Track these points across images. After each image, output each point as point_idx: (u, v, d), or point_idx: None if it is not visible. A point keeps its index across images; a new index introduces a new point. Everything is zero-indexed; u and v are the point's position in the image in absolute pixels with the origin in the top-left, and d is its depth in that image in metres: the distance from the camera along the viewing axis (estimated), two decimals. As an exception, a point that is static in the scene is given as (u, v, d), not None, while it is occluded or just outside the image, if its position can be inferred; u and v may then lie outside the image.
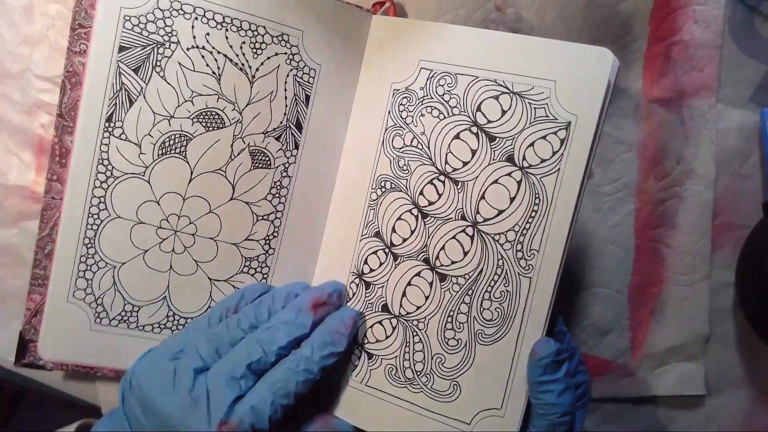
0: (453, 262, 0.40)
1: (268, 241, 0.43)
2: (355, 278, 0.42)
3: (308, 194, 0.44)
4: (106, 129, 0.40)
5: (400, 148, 0.41)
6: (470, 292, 0.39)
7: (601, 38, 0.50)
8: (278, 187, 0.43)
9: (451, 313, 0.40)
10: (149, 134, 0.40)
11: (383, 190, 0.42)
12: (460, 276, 0.39)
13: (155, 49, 0.39)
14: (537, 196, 0.37)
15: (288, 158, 0.43)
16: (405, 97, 0.41)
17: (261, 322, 0.39)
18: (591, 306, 0.52)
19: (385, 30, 0.43)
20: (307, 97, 0.43)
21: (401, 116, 0.41)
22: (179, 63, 0.39)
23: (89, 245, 0.41)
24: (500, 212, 0.38)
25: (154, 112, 0.40)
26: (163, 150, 0.40)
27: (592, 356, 0.53)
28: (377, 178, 0.42)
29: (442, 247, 0.40)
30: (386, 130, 0.42)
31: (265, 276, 0.44)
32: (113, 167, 0.40)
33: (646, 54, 0.51)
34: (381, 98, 0.42)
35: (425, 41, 0.41)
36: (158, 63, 0.39)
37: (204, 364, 0.37)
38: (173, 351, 0.38)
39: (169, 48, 0.39)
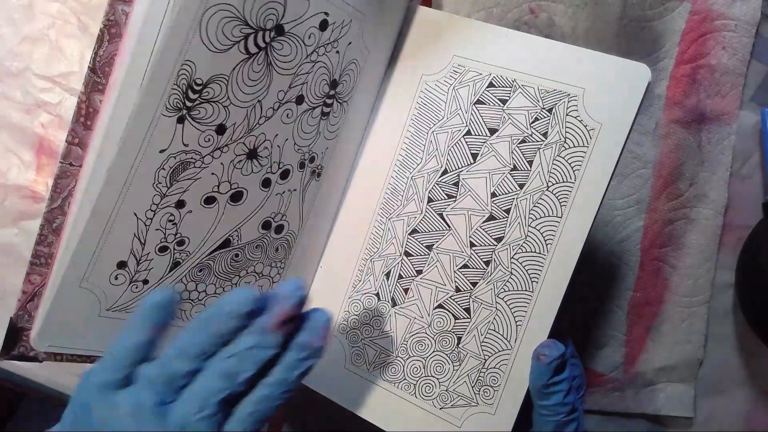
0: None
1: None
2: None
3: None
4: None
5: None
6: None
7: (630, 52, 0.50)
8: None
9: None
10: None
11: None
12: None
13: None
14: None
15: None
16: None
17: (209, 346, 0.33)
18: (589, 318, 0.53)
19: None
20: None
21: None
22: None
23: None
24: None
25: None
26: None
27: (585, 368, 0.53)
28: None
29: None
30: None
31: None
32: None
33: (672, 73, 0.51)
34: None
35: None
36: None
37: (163, 399, 0.32)
38: (119, 378, 0.33)
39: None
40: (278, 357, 0.34)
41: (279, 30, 0.36)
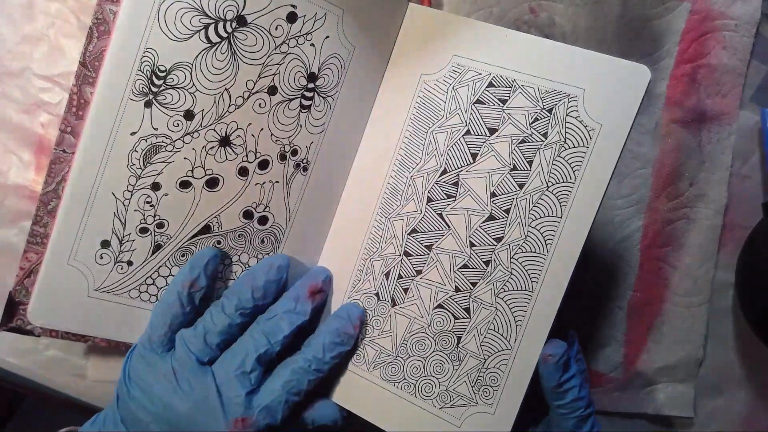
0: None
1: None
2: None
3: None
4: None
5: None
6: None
7: (630, 52, 0.50)
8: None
9: None
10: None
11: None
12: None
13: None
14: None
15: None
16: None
17: (245, 302, 0.38)
18: (589, 317, 0.52)
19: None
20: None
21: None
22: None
23: None
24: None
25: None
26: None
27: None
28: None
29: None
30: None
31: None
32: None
33: (672, 73, 0.51)
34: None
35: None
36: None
37: (199, 357, 0.37)
38: (156, 344, 0.38)
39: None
40: (310, 336, 0.40)
41: (241, 21, 0.38)
